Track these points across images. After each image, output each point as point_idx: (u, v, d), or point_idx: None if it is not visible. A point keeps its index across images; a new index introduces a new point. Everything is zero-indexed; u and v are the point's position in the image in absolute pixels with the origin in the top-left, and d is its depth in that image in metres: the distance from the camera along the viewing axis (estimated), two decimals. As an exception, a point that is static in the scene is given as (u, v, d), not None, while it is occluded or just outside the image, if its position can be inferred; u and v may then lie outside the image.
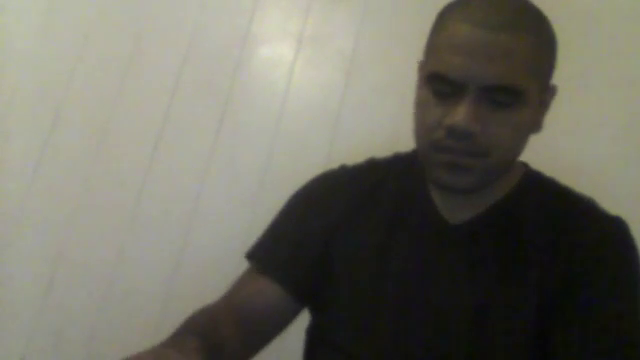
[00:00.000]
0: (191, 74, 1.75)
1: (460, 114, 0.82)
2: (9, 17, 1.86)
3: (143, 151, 1.71)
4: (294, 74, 1.72)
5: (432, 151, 0.86)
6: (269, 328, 1.00)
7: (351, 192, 1.00)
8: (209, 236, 1.65)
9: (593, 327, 0.84)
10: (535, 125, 0.90)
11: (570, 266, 0.88)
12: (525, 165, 0.99)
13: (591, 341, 0.83)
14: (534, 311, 0.87)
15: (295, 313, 1.01)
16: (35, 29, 1.84)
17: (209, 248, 1.64)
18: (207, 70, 1.75)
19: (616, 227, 0.92)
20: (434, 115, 0.85)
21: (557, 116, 0.93)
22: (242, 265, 1.02)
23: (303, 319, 1.02)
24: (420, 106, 0.88)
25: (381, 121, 1.61)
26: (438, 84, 0.84)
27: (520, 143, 0.89)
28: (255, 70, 1.75)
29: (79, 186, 1.71)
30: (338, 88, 1.68)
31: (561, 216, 0.92)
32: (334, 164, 1.08)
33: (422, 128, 0.88)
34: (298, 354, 1.02)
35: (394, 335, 0.91)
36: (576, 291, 0.86)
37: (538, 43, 0.84)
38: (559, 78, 0.91)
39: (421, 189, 0.96)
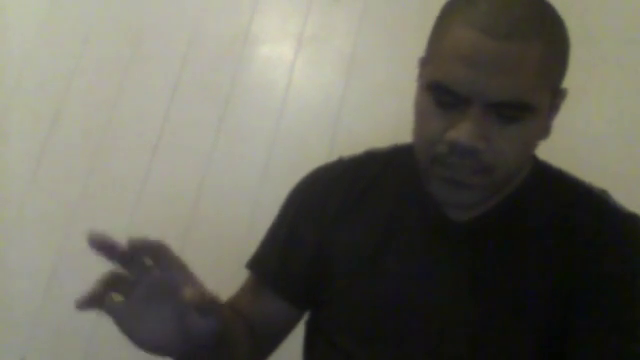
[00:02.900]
0: (191, 74, 1.75)
1: (464, 130, 0.76)
2: (9, 17, 1.86)
3: (143, 151, 1.71)
4: (294, 74, 1.72)
5: (433, 165, 0.81)
6: (277, 333, 1.00)
7: (347, 187, 0.96)
8: (209, 236, 1.65)
9: (611, 339, 0.80)
10: (544, 132, 0.83)
11: (581, 271, 0.83)
12: (533, 157, 0.92)
13: (606, 355, 0.80)
14: (542, 316, 0.83)
15: (300, 316, 1.00)
16: (35, 29, 1.84)
17: (209, 248, 1.64)
18: (207, 70, 1.75)
19: (631, 226, 0.85)
20: (436, 127, 0.79)
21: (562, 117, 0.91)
22: (242, 266, 1.02)
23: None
24: (421, 114, 0.82)
25: (381, 121, 1.61)
26: (440, 94, 0.78)
27: (528, 155, 0.84)
28: (255, 70, 1.75)
29: (79, 186, 1.71)
30: (338, 88, 1.68)
31: (570, 214, 0.86)
32: (334, 164, 1.07)
33: (423, 139, 0.82)
34: (298, 354, 1.01)
35: (393, 338, 0.88)
36: (588, 298, 0.81)
37: (551, 49, 0.77)
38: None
39: (420, 185, 0.89)
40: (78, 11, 1.84)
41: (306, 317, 1.01)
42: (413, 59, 0.92)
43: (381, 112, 1.63)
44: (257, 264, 1.00)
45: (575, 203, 0.88)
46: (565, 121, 0.88)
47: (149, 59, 1.77)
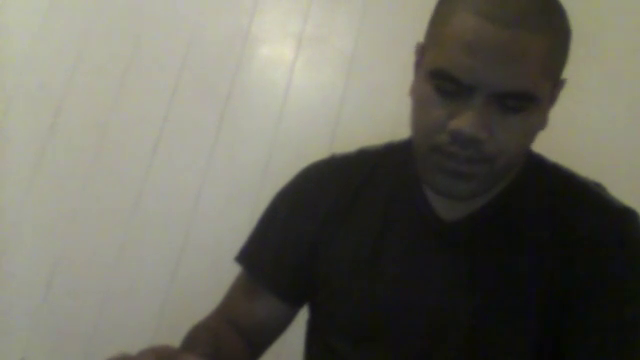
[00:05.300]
0: (191, 74, 1.75)
1: (467, 119, 0.74)
2: (9, 17, 1.86)
3: (143, 151, 1.71)
4: (294, 74, 1.72)
5: (432, 154, 0.79)
6: (269, 333, 0.99)
7: (341, 186, 0.95)
8: (209, 236, 1.65)
9: (606, 337, 0.80)
10: (543, 123, 0.82)
11: (577, 267, 0.82)
12: (528, 150, 0.90)
13: (605, 352, 0.80)
14: (536, 315, 0.83)
15: (294, 313, 1.00)
16: (35, 29, 1.84)
17: (209, 248, 1.64)
18: (207, 70, 1.75)
19: (626, 220, 0.84)
20: (437, 116, 0.77)
21: (559, 112, 0.89)
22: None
23: (303, 316, 1.02)
24: (421, 103, 0.80)
25: (381, 121, 1.61)
26: (442, 82, 0.76)
27: (528, 146, 0.84)
28: (255, 70, 1.75)
29: (79, 186, 1.71)
30: (338, 88, 1.68)
31: (565, 209, 0.85)
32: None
33: (423, 128, 0.80)
34: (298, 354, 1.01)
35: (389, 341, 0.88)
36: (585, 296, 0.81)
37: (556, 40, 0.76)
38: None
39: (414, 183, 0.89)
40: (78, 11, 1.84)
41: (307, 317, 1.01)
42: (413, 59, 0.92)
43: (381, 112, 1.63)
44: (250, 260, 0.99)
45: (570, 197, 0.87)
46: (565, 116, 0.87)
47: (149, 59, 1.77)
